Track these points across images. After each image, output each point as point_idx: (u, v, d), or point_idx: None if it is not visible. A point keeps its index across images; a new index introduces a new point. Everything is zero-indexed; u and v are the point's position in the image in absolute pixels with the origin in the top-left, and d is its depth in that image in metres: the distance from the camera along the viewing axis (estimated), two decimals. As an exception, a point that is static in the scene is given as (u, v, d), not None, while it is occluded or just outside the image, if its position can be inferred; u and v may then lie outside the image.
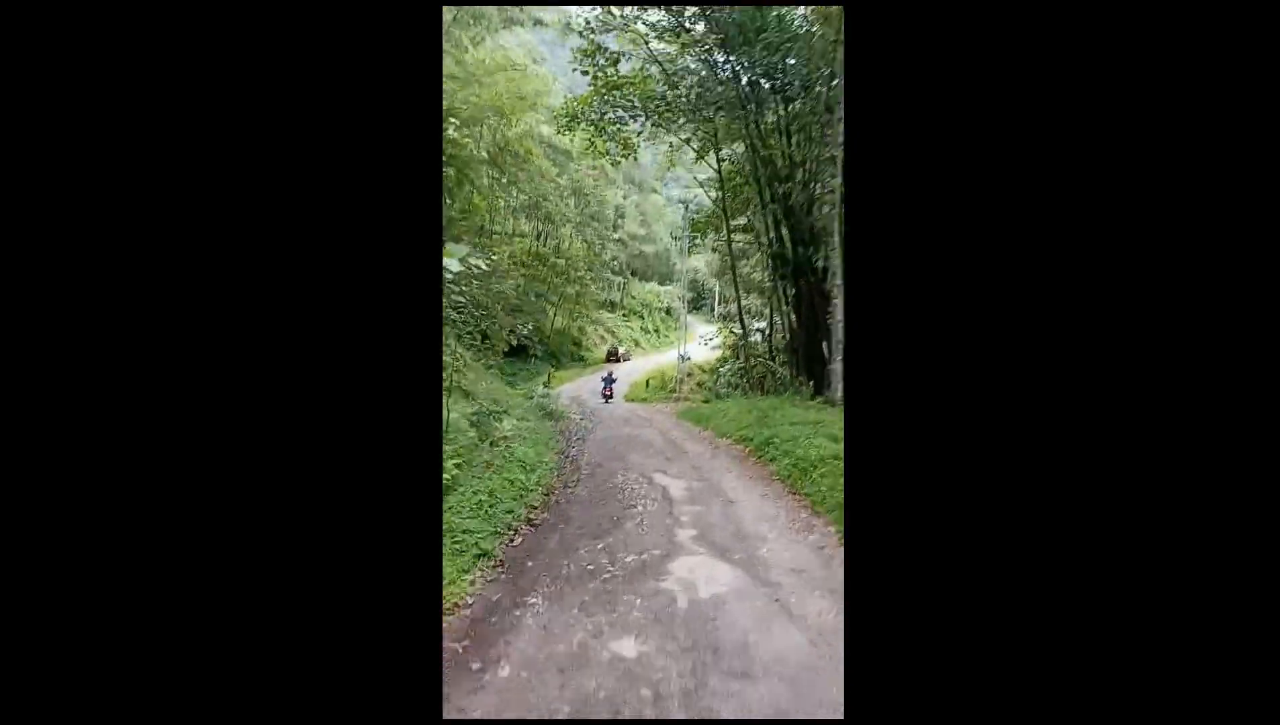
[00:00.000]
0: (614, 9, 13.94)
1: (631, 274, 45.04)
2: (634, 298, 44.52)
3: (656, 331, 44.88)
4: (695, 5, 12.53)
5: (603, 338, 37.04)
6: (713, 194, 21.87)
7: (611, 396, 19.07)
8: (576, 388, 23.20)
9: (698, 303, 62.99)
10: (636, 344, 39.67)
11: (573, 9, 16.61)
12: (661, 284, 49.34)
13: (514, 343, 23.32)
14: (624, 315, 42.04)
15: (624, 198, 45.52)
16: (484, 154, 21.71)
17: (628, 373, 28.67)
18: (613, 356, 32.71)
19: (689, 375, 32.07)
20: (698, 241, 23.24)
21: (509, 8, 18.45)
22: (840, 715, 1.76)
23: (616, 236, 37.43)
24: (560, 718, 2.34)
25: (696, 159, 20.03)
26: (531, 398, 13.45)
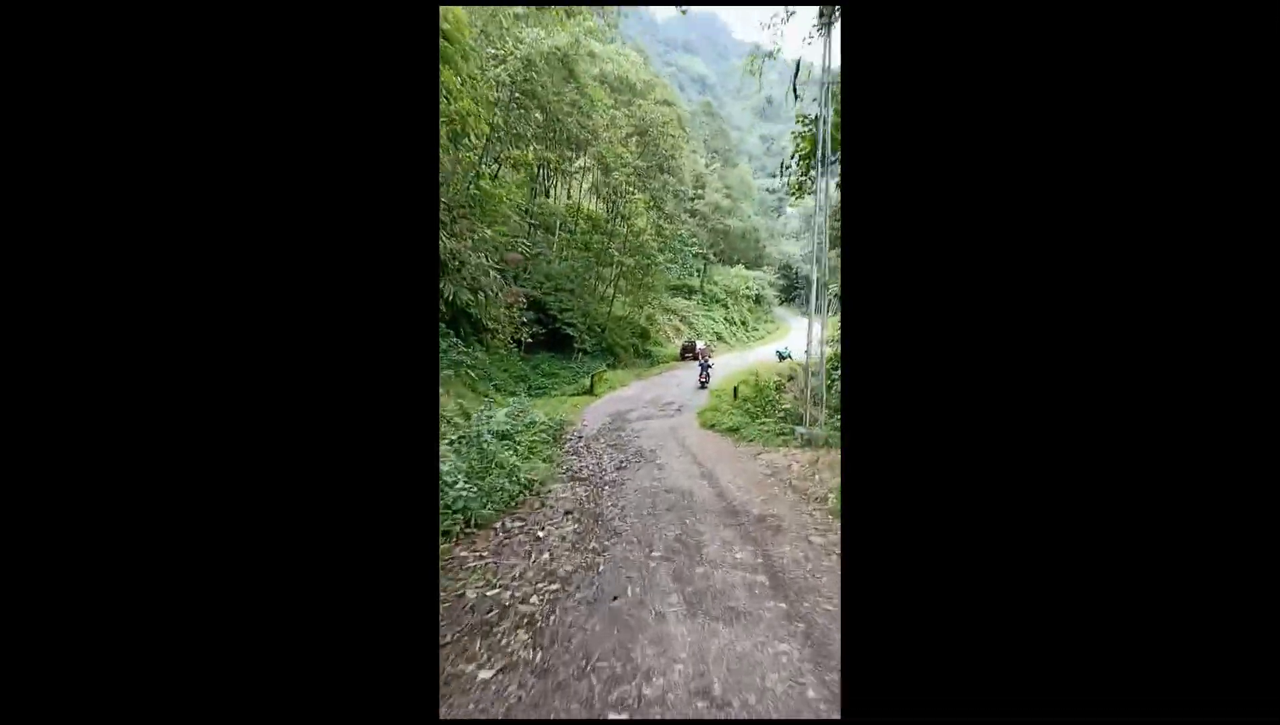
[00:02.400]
0: None
1: (713, 256, 36.49)
2: (715, 283, 35.91)
3: (743, 324, 35.97)
4: (691, 5, 10.33)
5: (676, 329, 28.86)
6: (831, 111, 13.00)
7: (708, 383, 16.65)
8: (633, 397, 15.21)
9: (790, 292, 53.32)
10: (719, 337, 31.09)
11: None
12: (749, 268, 40.29)
13: (530, 334, 15.31)
14: (703, 303, 33.60)
15: (705, 166, 37.04)
16: (501, 69, 14.33)
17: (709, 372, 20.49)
18: (689, 352, 24.47)
19: (790, 379, 23.40)
20: (807, 178, 14.08)
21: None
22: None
23: (692, 206, 28.89)
24: (560, 718, 2.00)
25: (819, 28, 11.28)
26: (470, 440, 5.45)
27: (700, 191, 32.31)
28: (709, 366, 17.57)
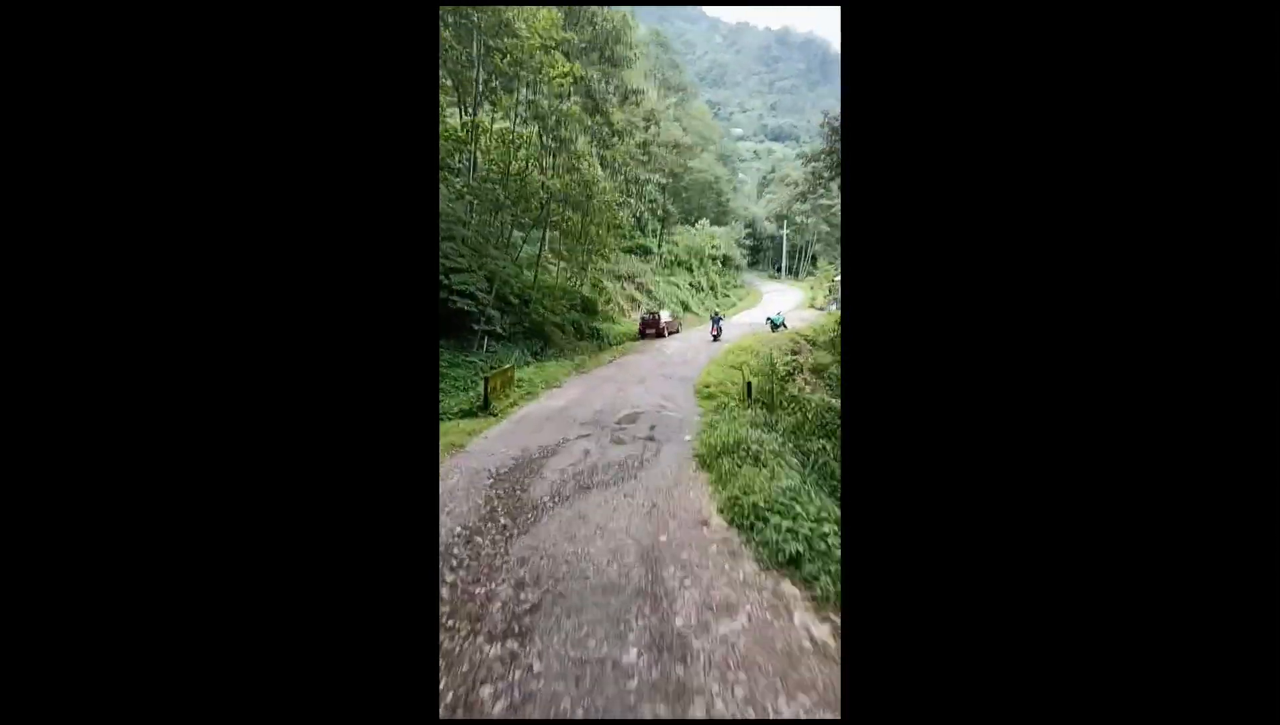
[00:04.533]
0: None
1: (672, 207, 29.40)
2: (676, 243, 29.03)
3: (712, 290, 29.34)
4: (692, 5, 2.31)
5: (632, 300, 21.96)
6: None
7: (720, 336, 16.25)
8: (566, 411, 8.26)
9: (754, 255, 47.02)
10: (685, 307, 24.38)
11: None
12: (714, 225, 33.51)
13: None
14: (663, 266, 26.72)
15: (660, 99, 29.73)
16: None
17: (683, 353, 13.75)
18: (650, 328, 17.69)
19: (794, 353, 16.76)
20: None
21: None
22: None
23: (645, 138, 21.53)
24: (560, 718, 1.90)
25: None
26: None
27: (654, 126, 25.04)
28: (720, 318, 17.79)
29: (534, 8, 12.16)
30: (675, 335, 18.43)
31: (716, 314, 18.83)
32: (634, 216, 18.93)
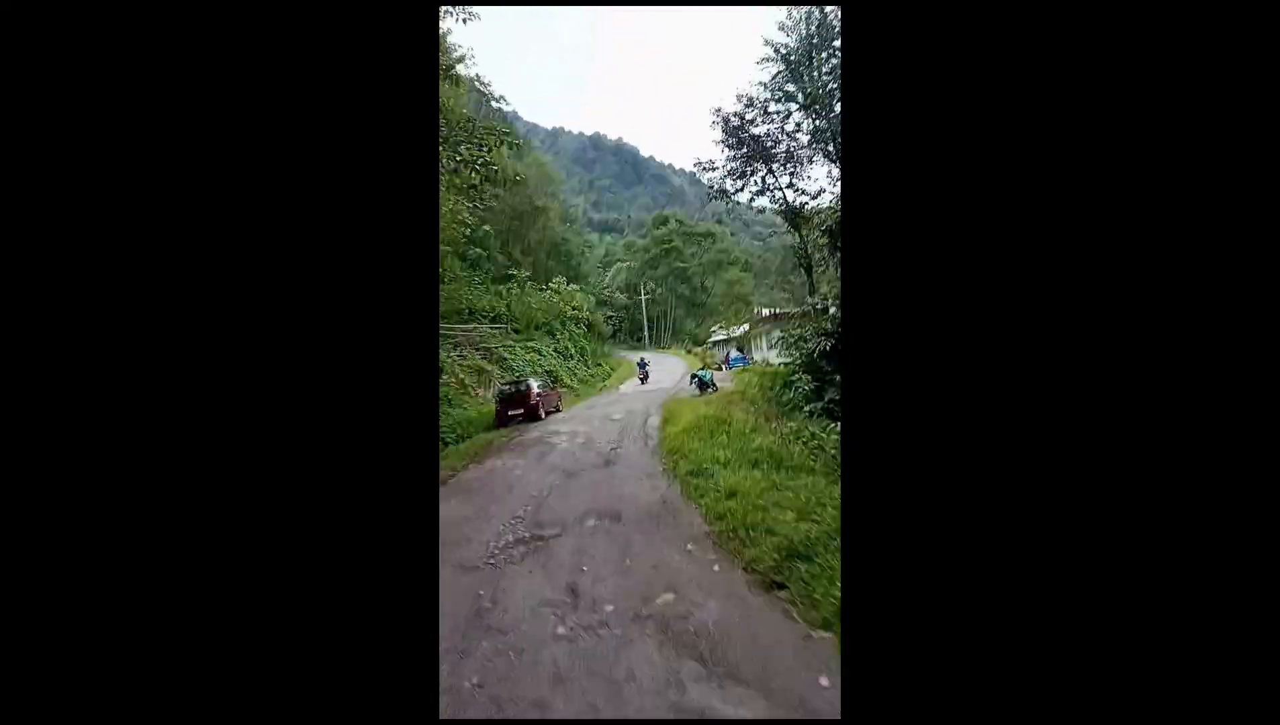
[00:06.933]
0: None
1: (520, 256, 23.06)
2: (530, 305, 22.35)
3: (582, 356, 22.90)
4: (698, 6, 1.00)
5: (479, 373, 14.50)
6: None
7: (647, 380, 17.40)
8: None
9: (616, 327, 42.32)
10: (552, 378, 17.43)
11: None
12: (570, 283, 27.64)
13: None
14: (515, 330, 19.72)
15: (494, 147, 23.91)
16: None
17: (595, 440, 7.02)
18: (515, 405, 10.53)
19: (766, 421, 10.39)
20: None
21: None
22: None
23: (470, 158, 15.15)
24: (560, 718, 1.91)
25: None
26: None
27: (484, 155, 18.84)
28: (646, 365, 18.71)
29: None
30: (556, 415, 11.40)
31: (643, 360, 18.87)
32: (463, 250, 12.10)
